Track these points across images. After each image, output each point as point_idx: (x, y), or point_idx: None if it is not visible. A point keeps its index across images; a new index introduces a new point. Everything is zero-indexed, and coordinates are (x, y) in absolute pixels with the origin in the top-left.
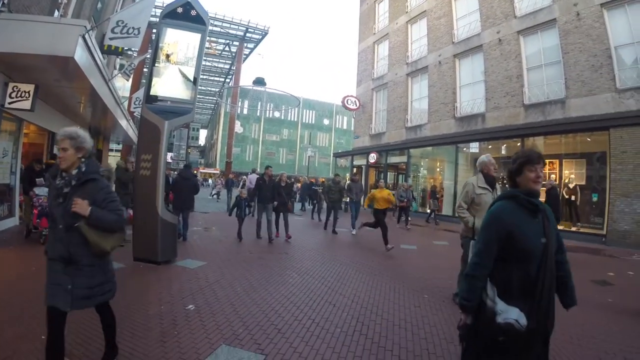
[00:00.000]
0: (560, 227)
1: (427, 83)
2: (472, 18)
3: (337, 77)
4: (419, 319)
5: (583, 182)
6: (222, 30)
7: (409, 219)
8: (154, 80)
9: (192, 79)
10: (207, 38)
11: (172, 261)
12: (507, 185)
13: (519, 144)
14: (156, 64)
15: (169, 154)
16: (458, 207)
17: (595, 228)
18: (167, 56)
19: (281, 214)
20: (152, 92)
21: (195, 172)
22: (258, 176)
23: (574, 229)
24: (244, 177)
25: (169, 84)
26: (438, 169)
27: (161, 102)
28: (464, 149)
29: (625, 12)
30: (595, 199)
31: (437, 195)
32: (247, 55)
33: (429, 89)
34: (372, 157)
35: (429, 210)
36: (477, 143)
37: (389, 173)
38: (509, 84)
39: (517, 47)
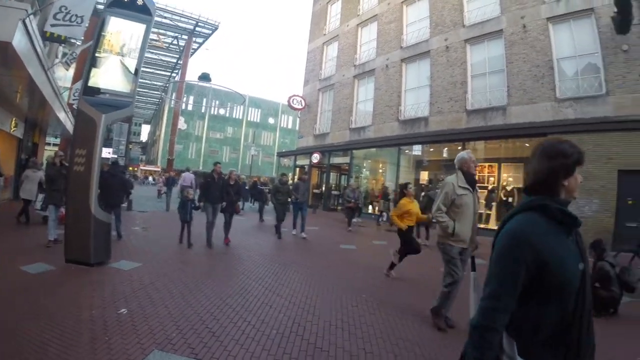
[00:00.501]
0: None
1: (373, 86)
2: (421, 25)
3: (285, 76)
4: (356, 319)
5: (520, 185)
6: (171, 22)
7: (356, 220)
8: (93, 71)
9: (133, 71)
10: (156, 30)
11: (105, 262)
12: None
13: (460, 148)
14: (97, 54)
15: (108, 150)
16: (436, 211)
17: None
18: (109, 46)
19: (228, 215)
20: (90, 84)
21: (135, 169)
22: (191, 173)
23: None
24: (183, 174)
25: (109, 76)
26: (380, 170)
27: (100, 95)
28: (406, 151)
29: (570, 27)
30: None
31: (389, 197)
32: (195, 50)
33: (375, 92)
34: (315, 157)
35: (378, 212)
36: (420, 146)
37: (331, 173)
38: (453, 90)
39: (464, 55)
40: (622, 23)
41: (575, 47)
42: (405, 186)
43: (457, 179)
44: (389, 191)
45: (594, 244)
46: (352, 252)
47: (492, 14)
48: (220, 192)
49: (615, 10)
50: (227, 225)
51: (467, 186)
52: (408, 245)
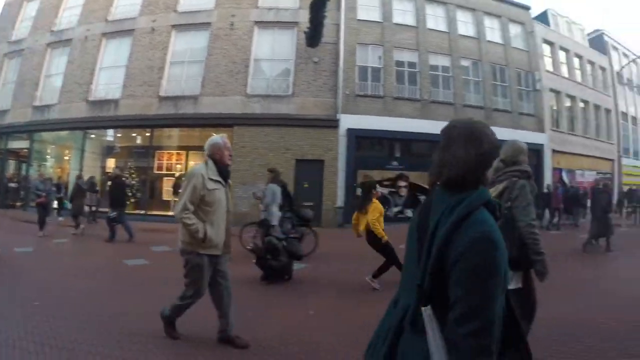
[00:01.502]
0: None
1: (67, 58)
2: (134, 0)
3: None
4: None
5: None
6: None
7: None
8: None
9: None
10: None
11: None
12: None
13: (148, 134)
14: None
15: None
16: (182, 211)
17: None
18: None
19: None
20: None
21: None
22: None
23: None
24: None
25: None
26: (67, 157)
27: None
28: (92, 135)
29: (274, 33)
30: None
31: (97, 188)
32: None
33: (67, 65)
34: None
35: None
36: (111, 131)
37: (10, 161)
38: (149, 74)
39: (167, 40)
40: (312, 38)
41: (273, 51)
42: (373, 185)
43: (207, 169)
44: (95, 182)
45: (261, 222)
46: (27, 256)
47: (205, 6)
48: None
49: (309, 26)
50: None
51: (219, 179)
52: (393, 258)
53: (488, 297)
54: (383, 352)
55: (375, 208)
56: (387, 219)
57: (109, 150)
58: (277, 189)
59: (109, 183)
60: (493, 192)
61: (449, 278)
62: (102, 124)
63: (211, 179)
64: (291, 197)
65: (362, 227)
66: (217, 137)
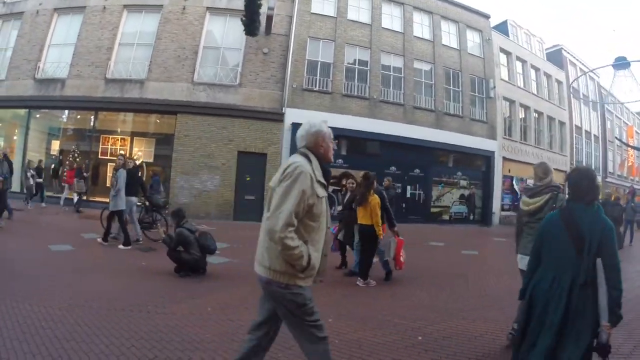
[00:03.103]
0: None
1: (17, 32)
2: None
3: None
4: None
5: (151, 160)
6: None
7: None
8: None
9: None
10: None
11: None
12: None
13: (92, 116)
14: None
15: None
16: (285, 227)
17: None
18: None
19: None
20: None
21: None
22: None
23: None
24: None
25: None
26: (15, 137)
27: None
28: (37, 115)
29: (225, 21)
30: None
31: (84, 174)
32: None
33: (17, 40)
34: None
35: (75, 195)
36: (57, 111)
37: None
38: (97, 54)
39: (118, 20)
40: (249, 27)
41: (223, 39)
42: (373, 177)
43: (314, 169)
44: (82, 168)
45: (173, 213)
46: None
47: None
48: None
49: (244, 14)
50: None
51: (324, 181)
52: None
53: (617, 252)
54: (562, 305)
55: (375, 199)
56: (332, 218)
57: (54, 132)
58: (123, 174)
59: None
60: (539, 200)
61: (600, 249)
62: (48, 104)
63: (319, 183)
64: (143, 183)
65: (364, 221)
66: (319, 123)
